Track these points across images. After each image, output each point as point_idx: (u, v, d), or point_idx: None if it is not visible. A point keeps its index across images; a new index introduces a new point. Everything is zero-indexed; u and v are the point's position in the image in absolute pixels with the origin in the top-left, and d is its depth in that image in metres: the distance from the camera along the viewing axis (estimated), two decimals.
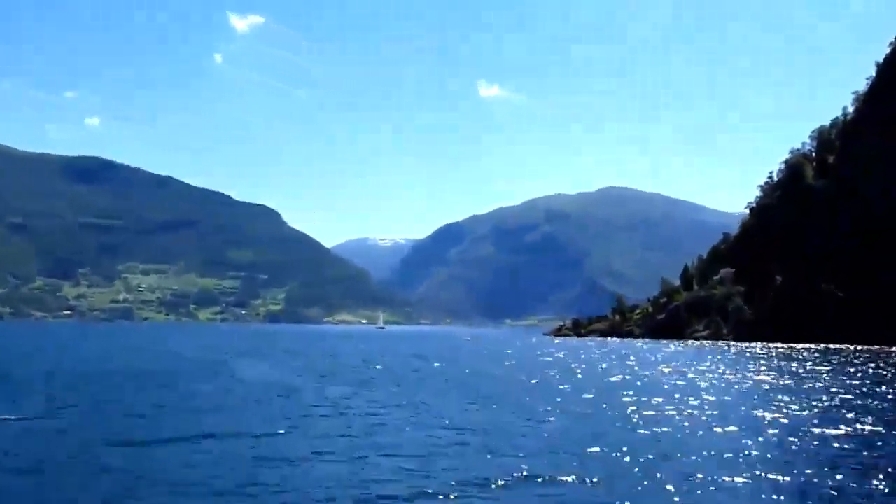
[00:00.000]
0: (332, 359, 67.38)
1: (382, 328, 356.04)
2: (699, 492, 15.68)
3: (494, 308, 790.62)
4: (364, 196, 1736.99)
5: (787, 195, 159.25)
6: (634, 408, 30.50)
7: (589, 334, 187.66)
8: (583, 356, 79.48)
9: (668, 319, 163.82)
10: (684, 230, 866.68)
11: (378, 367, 56.07)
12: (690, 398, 34.90)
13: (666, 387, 41.09)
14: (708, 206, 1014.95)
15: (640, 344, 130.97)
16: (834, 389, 40.09)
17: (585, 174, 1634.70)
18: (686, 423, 25.91)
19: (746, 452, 20.37)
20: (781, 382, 44.40)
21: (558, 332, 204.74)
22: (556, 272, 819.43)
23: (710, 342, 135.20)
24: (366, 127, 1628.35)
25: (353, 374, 47.64)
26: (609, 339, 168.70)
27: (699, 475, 17.08)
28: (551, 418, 27.11)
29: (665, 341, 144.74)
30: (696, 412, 29.36)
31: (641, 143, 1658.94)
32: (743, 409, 31.06)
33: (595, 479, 16.50)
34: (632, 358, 76.61)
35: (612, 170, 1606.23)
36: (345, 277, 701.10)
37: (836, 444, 21.99)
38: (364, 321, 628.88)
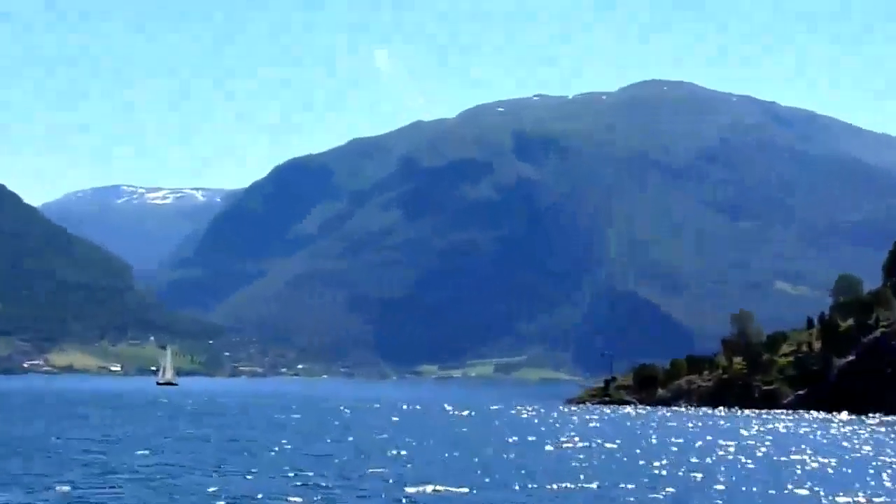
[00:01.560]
0: None
1: (173, 384, 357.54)
2: None
3: (403, 341, 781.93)
4: (111, 105, 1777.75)
5: None
6: None
7: (672, 400, 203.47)
8: None
9: (866, 368, 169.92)
10: (811, 172, 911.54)
11: None
12: None
13: None
14: (862, 128, 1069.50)
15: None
16: None
17: (590, 62, 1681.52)
18: None
19: None
20: None
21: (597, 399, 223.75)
22: (537, 264, 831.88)
23: None
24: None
25: None
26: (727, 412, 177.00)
27: None
28: None
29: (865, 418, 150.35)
30: None
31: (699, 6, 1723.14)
32: None
33: None
34: None
35: (646, 54, 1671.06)
36: (75, 272, 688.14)
37: None
38: (117, 367, 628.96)
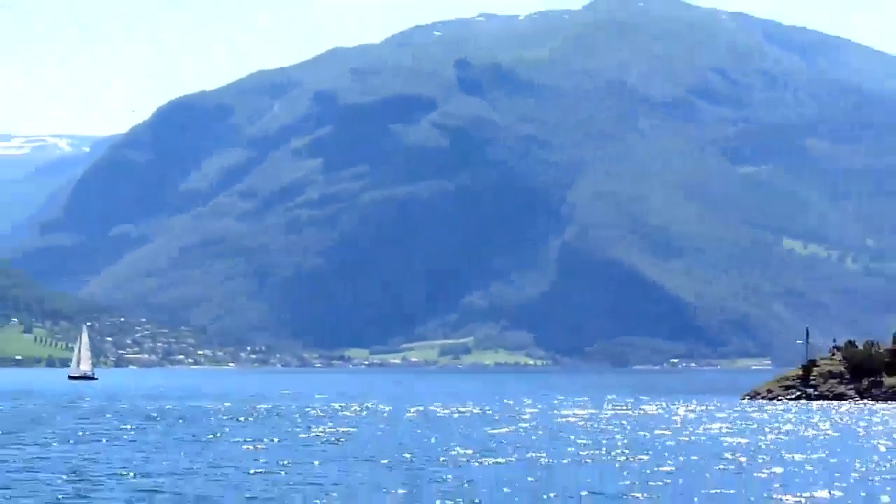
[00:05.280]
0: None
1: (90, 378, 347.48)
2: None
3: (325, 320, 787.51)
4: None
5: None
6: None
7: (893, 397, 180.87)
8: None
9: None
10: (820, 103, 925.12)
11: None
12: None
13: None
14: (873, 48, 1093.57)
15: None
16: None
17: None
18: None
19: None
20: None
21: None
22: (489, 223, 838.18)
23: None
24: None
25: None
26: None
27: None
28: None
29: None
30: None
31: None
32: None
33: None
34: None
35: None
36: None
37: None
38: None
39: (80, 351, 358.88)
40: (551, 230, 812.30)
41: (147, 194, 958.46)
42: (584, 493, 62.02)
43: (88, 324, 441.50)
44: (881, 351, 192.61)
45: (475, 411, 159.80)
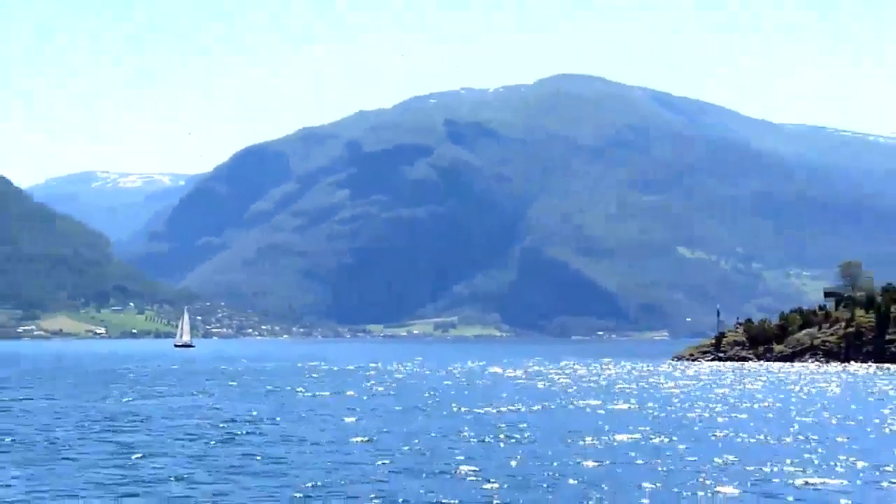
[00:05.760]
0: None
1: (189, 346, 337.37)
2: None
3: (351, 304, 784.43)
4: (85, 100, 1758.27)
5: None
6: None
7: (793, 356, 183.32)
8: None
9: None
10: (701, 154, 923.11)
11: None
12: None
13: None
14: (738, 113, 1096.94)
15: None
16: None
17: (512, 58, 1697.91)
18: None
19: None
20: None
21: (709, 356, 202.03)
22: (468, 236, 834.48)
23: None
24: None
25: None
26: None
27: None
28: None
29: None
30: None
31: (605, 6, 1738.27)
32: None
33: None
34: None
35: (561, 49, 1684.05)
36: (59, 245, 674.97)
37: None
38: (102, 330, 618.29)
39: (182, 327, 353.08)
40: (514, 240, 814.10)
41: (226, 215, 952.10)
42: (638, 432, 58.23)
43: (185, 307, 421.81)
44: (771, 325, 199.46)
45: (506, 371, 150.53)
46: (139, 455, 48.84)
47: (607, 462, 45.24)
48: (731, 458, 47.77)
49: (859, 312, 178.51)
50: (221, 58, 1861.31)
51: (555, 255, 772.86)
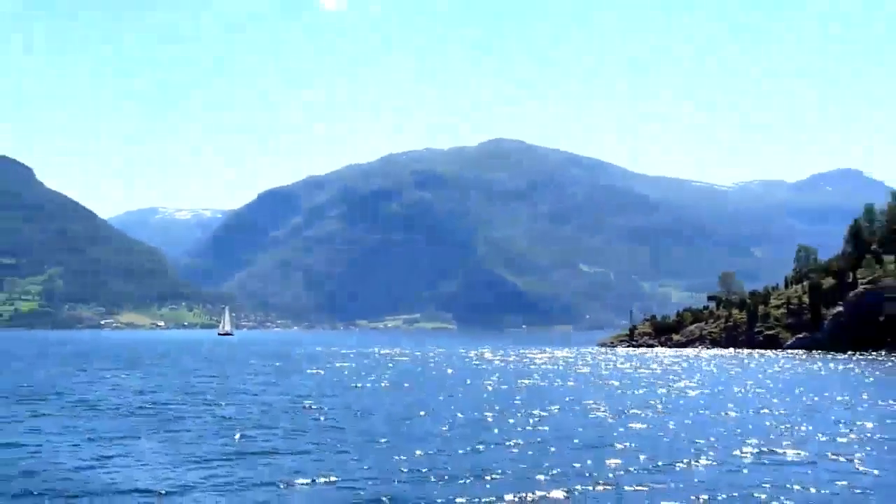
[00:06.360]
0: None
1: (229, 334, 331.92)
2: None
3: (344, 305, 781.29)
4: (150, 151, 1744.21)
5: None
6: None
7: (687, 343, 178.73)
8: None
9: (859, 316, 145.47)
10: (597, 197, 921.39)
11: None
12: None
13: None
14: (625, 168, 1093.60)
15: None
16: None
17: (461, 125, 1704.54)
18: None
19: None
20: None
21: (627, 342, 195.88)
22: (429, 255, 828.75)
23: None
24: (159, 61, 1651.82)
25: None
26: (735, 352, 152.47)
27: None
28: None
29: (863, 356, 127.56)
30: None
31: (532, 87, 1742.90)
32: None
33: None
34: None
35: (497, 119, 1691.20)
36: (131, 261, 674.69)
37: None
38: (161, 323, 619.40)
39: (224, 320, 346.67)
40: (462, 259, 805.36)
41: (252, 239, 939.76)
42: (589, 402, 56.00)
43: (224, 306, 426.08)
44: (670, 321, 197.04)
45: (472, 353, 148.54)
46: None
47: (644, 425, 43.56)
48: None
49: (735, 311, 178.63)
50: (251, 119, 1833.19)
51: (491, 269, 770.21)
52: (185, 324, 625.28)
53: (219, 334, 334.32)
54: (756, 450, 36.39)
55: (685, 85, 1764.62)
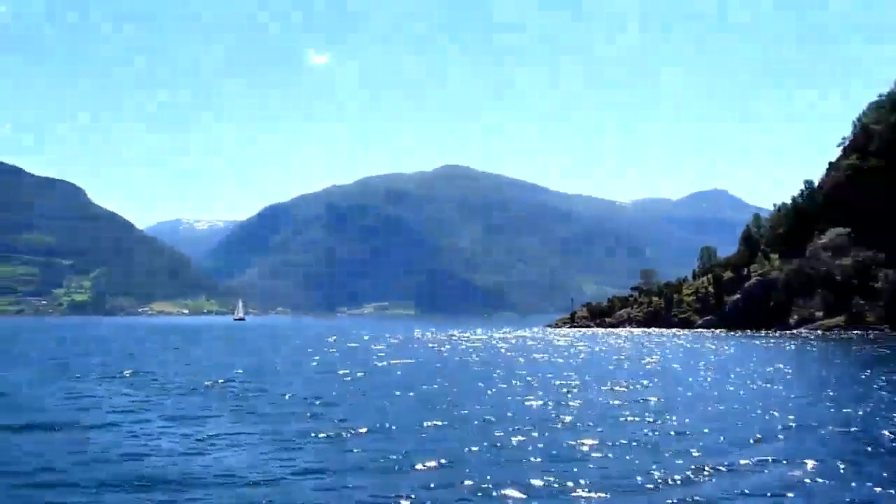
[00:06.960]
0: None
1: (242, 319, 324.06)
2: None
3: (330, 296, 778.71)
4: (174, 172, 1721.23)
5: None
6: None
7: (618, 325, 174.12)
8: None
9: (753, 302, 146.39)
10: (529, 213, 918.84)
11: None
12: None
13: None
14: (549, 188, 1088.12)
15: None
16: None
17: (421, 153, 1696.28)
18: None
19: None
20: None
21: (573, 324, 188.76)
22: (398, 257, 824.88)
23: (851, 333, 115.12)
24: (181, 97, 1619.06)
25: None
26: (661, 331, 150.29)
27: None
28: None
29: (756, 333, 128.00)
30: None
31: (477, 121, 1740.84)
32: None
33: None
34: None
35: (449, 148, 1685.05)
36: (161, 262, 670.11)
37: None
38: (186, 311, 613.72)
39: (238, 308, 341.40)
40: (425, 260, 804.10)
41: (255, 245, 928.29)
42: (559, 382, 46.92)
43: (238, 298, 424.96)
44: (604, 306, 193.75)
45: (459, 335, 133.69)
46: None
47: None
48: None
49: (654, 299, 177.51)
50: (254, 149, 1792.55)
51: (448, 267, 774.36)
52: (205, 311, 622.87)
53: (234, 319, 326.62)
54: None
55: (595, 119, 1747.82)
